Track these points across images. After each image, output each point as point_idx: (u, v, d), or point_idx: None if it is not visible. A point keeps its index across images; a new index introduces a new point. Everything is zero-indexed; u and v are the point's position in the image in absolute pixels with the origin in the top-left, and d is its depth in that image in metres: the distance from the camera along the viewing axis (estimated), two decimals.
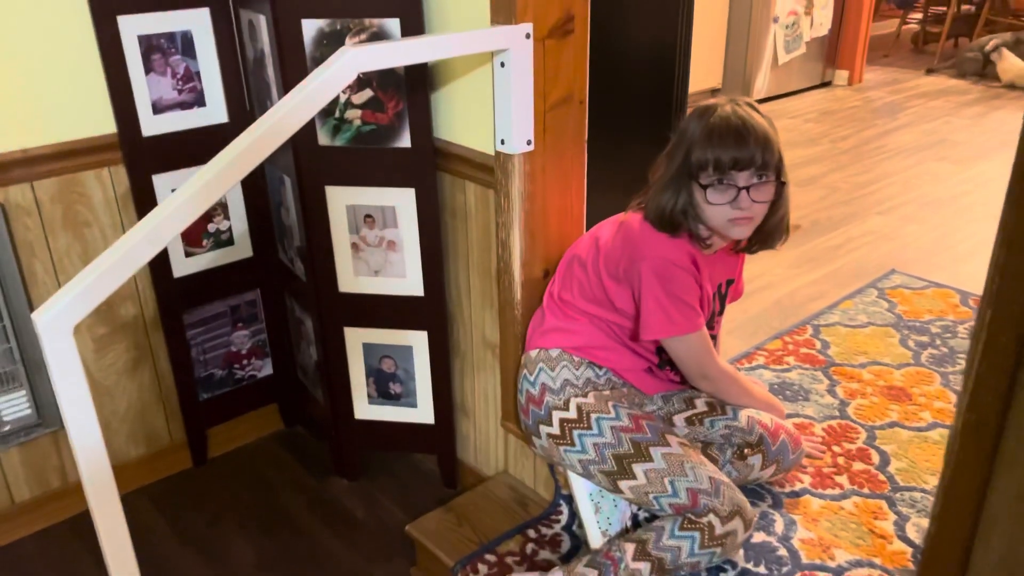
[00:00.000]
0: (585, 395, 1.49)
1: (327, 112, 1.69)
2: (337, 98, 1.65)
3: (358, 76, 1.59)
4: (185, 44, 1.81)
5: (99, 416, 1.92)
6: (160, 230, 1.14)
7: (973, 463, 1.08)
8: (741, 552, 1.47)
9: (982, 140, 4.09)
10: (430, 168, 1.71)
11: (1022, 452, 1.04)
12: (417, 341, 1.88)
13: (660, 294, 1.41)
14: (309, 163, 1.74)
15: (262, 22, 1.70)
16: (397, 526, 1.87)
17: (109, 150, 1.79)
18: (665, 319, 1.42)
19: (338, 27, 1.61)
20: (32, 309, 1.73)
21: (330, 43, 1.62)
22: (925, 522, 1.53)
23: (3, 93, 1.65)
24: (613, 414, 1.46)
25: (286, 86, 1.65)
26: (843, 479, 1.65)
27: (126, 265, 1.13)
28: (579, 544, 1.63)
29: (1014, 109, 4.62)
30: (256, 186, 2.00)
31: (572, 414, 1.48)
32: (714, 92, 4.83)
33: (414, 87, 1.64)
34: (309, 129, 1.69)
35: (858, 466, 1.69)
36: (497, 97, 1.48)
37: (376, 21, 1.60)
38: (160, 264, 1.91)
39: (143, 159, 1.82)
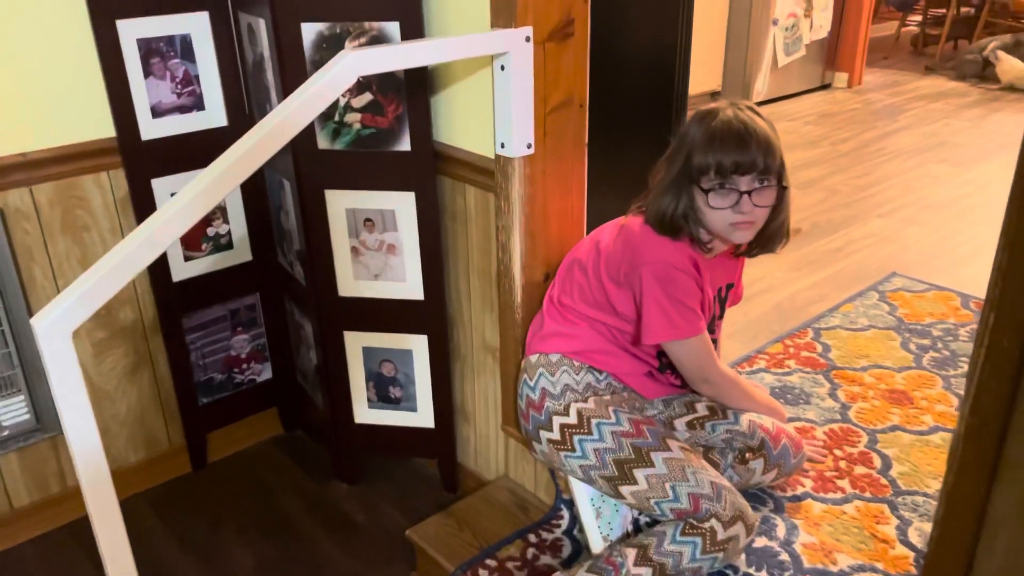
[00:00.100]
0: (585, 400, 1.48)
1: (327, 116, 1.68)
2: (337, 102, 1.65)
3: (358, 79, 1.59)
4: (184, 48, 1.81)
5: (98, 421, 1.92)
6: (159, 234, 1.14)
7: (976, 467, 1.07)
8: (743, 557, 1.47)
9: (982, 142, 4.09)
10: (430, 172, 1.70)
11: None
12: (417, 345, 1.87)
13: (661, 298, 1.40)
14: (309, 167, 1.74)
15: (261, 26, 1.69)
16: (397, 531, 1.87)
17: (108, 154, 1.79)
18: (667, 323, 1.41)
19: (338, 31, 1.61)
20: (31, 314, 1.73)
21: (330, 47, 1.62)
22: (927, 526, 1.53)
23: (2, 97, 1.65)
24: (614, 419, 1.45)
25: (286, 90, 1.65)
26: (845, 483, 1.65)
27: (125, 270, 1.12)
28: (580, 549, 1.62)
29: (1014, 111, 4.62)
30: (255, 190, 1.99)
31: (572, 419, 1.47)
32: (714, 95, 4.83)
33: (414, 90, 1.63)
34: (309, 133, 1.69)
35: (860, 470, 1.69)
36: (497, 100, 1.48)
37: (376, 24, 1.60)
38: (159, 268, 1.91)
39: (142, 163, 1.82)
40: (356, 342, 1.90)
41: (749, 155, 1.35)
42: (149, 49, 1.77)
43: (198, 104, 1.86)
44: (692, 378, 1.51)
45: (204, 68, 1.85)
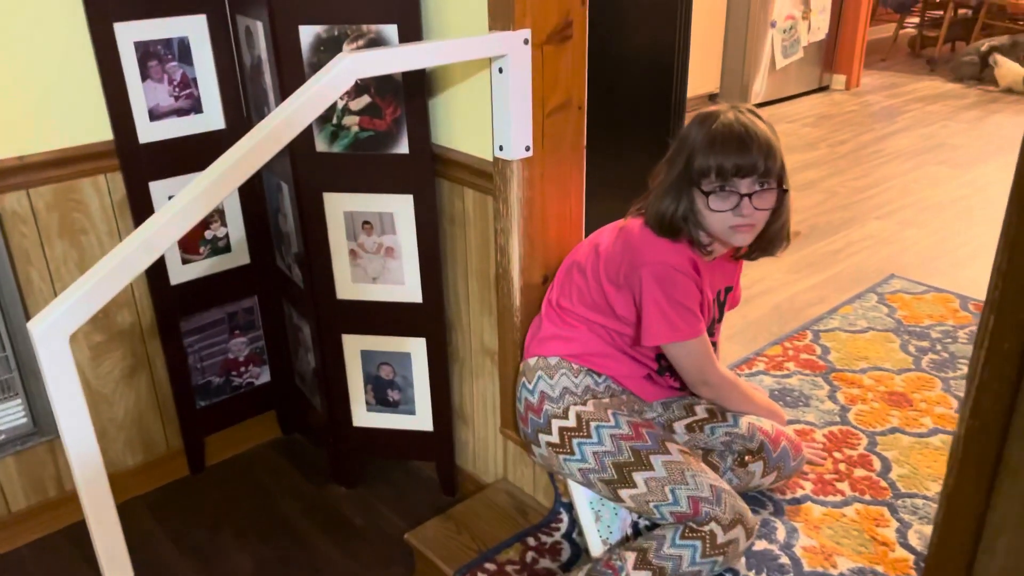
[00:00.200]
0: (584, 403, 1.48)
1: (325, 118, 1.68)
2: (335, 104, 1.65)
3: (356, 82, 1.59)
4: (182, 50, 1.81)
5: (96, 424, 1.91)
6: (157, 237, 1.13)
7: (976, 470, 1.07)
8: (743, 560, 1.46)
9: (980, 144, 4.09)
10: (428, 174, 1.70)
11: None
12: (415, 348, 1.87)
13: (661, 299, 1.40)
14: (307, 169, 1.73)
15: (259, 28, 1.69)
16: (396, 534, 1.86)
17: (105, 157, 1.78)
18: (667, 325, 1.41)
19: (336, 33, 1.61)
20: (28, 317, 1.73)
21: (328, 49, 1.62)
22: (927, 529, 1.52)
23: None
24: (612, 422, 1.45)
25: (284, 92, 1.64)
26: (844, 486, 1.64)
27: (122, 273, 1.12)
28: (579, 552, 1.62)
29: (1011, 113, 4.62)
30: (253, 193, 1.99)
31: (571, 422, 1.47)
32: (712, 97, 4.84)
33: (412, 93, 1.63)
34: (307, 135, 1.69)
35: (859, 472, 1.68)
36: (495, 103, 1.48)
37: (374, 27, 1.60)
38: (157, 271, 1.91)
39: (140, 166, 1.81)
40: (354, 345, 1.90)
41: (750, 158, 1.34)
42: (146, 52, 1.76)
43: (196, 107, 1.86)
44: (691, 380, 1.51)
45: (202, 71, 1.84)
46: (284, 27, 1.61)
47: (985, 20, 5.79)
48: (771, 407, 1.64)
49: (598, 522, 1.52)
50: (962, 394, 1.01)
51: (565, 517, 1.68)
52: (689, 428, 1.55)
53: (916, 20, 6.25)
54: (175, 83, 1.82)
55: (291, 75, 1.63)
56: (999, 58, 5.06)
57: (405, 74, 1.61)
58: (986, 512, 1.09)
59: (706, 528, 1.36)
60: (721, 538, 1.36)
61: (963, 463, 1.08)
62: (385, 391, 1.94)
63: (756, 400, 1.60)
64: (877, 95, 5.11)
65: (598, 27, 1.80)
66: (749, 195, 1.36)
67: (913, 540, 1.51)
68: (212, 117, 1.88)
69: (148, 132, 1.81)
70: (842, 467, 1.70)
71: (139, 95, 1.77)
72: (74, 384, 1.11)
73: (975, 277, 2.57)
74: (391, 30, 1.59)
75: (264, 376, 2.19)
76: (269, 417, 2.26)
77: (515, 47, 1.41)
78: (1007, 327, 0.97)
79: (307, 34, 1.61)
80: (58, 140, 1.73)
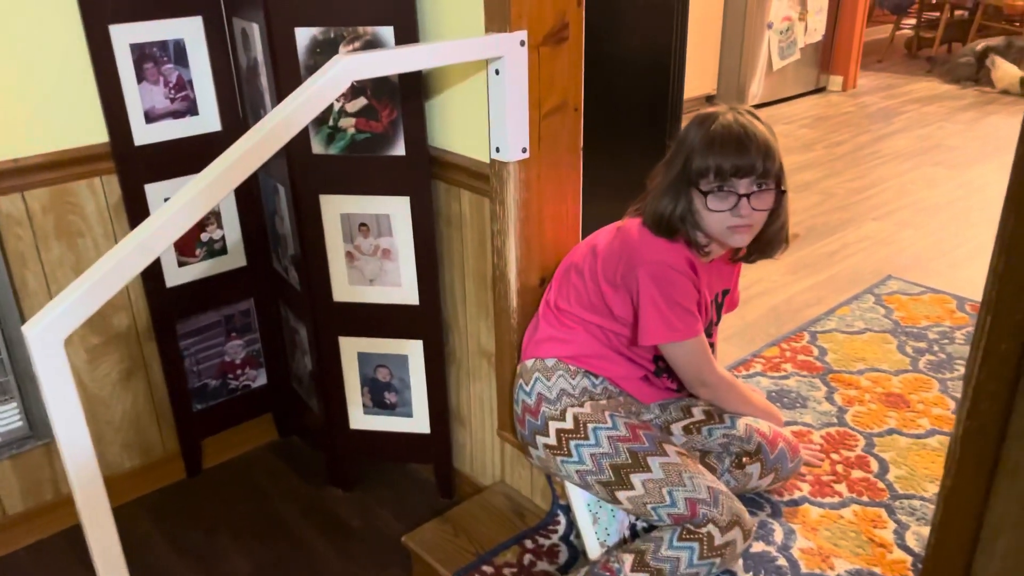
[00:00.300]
0: (581, 405, 1.47)
1: (321, 120, 1.68)
2: (331, 106, 1.65)
3: (352, 84, 1.59)
4: (178, 53, 1.80)
5: (92, 427, 1.91)
6: (153, 240, 1.13)
7: (974, 471, 1.07)
8: (740, 562, 1.46)
9: (977, 145, 4.10)
10: (425, 176, 1.70)
11: None
12: (412, 350, 1.87)
13: (658, 299, 1.40)
14: (303, 172, 1.73)
15: (255, 30, 1.69)
16: (393, 536, 1.86)
17: (101, 159, 1.78)
18: (664, 325, 1.41)
19: (332, 35, 1.61)
20: (24, 320, 1.72)
21: (324, 51, 1.62)
22: (925, 531, 1.52)
23: None
24: (610, 424, 1.45)
25: (280, 95, 1.64)
26: (842, 487, 1.64)
27: (118, 276, 1.11)
28: (577, 555, 1.62)
29: (1007, 115, 4.63)
30: (250, 195, 1.98)
31: (568, 424, 1.46)
32: (709, 98, 4.84)
33: (408, 95, 1.63)
34: (303, 137, 1.68)
35: (857, 474, 1.68)
36: (492, 105, 1.48)
37: (370, 29, 1.59)
38: (153, 274, 1.90)
39: (135, 168, 1.81)
40: (351, 347, 1.89)
41: (748, 158, 1.35)
42: (142, 54, 1.76)
43: (191, 109, 1.85)
44: (689, 381, 1.51)
45: (198, 73, 1.84)
46: (280, 29, 1.61)
47: (981, 21, 5.80)
48: (768, 408, 1.64)
49: (595, 524, 1.52)
50: (959, 395, 1.01)
51: (563, 519, 1.68)
52: (687, 430, 1.54)
53: (913, 21, 6.27)
54: (171, 85, 1.81)
55: (287, 77, 1.63)
56: (996, 59, 5.07)
57: (401, 76, 1.61)
58: (984, 513, 1.09)
59: (704, 530, 1.36)
60: (718, 540, 1.36)
61: (960, 464, 1.08)
62: (382, 393, 1.94)
63: (753, 401, 1.60)
64: (874, 96, 5.12)
65: (595, 29, 1.80)
66: (747, 195, 1.36)
67: (911, 541, 1.51)
68: (208, 119, 1.88)
69: (144, 134, 1.80)
70: (839, 468, 1.70)
71: (135, 97, 1.77)
72: (69, 387, 1.10)
73: (972, 278, 2.58)
74: (387, 32, 1.59)
75: (261, 379, 2.19)
76: (266, 420, 2.26)
77: (511, 49, 1.41)
78: (1003, 328, 0.97)
79: (303, 36, 1.61)
80: (54, 142, 1.72)
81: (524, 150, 1.50)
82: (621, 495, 1.42)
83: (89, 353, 1.89)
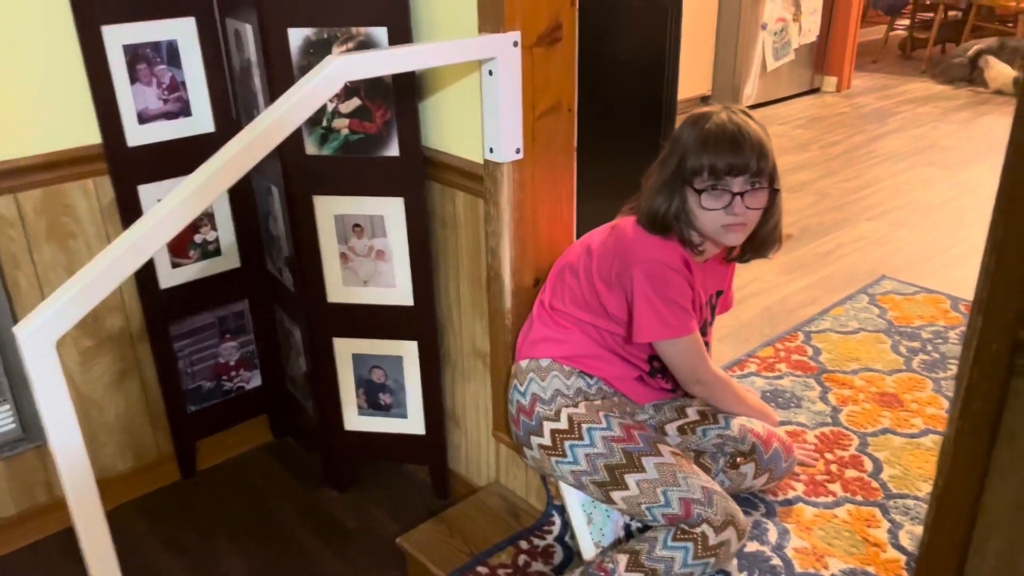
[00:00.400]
0: (576, 405, 1.47)
1: (314, 121, 1.68)
2: (324, 107, 1.64)
3: (345, 85, 1.58)
4: (171, 54, 1.80)
5: (86, 429, 1.90)
6: (144, 241, 1.13)
7: (967, 471, 1.07)
8: (734, 562, 1.46)
9: (971, 145, 4.11)
10: (419, 177, 1.70)
11: (1016, 459, 1.03)
12: (407, 351, 1.87)
13: (653, 297, 1.40)
14: (296, 172, 1.73)
15: (248, 31, 1.69)
16: (388, 537, 1.86)
17: (94, 161, 1.77)
18: (659, 321, 1.41)
19: (325, 36, 1.60)
20: (16, 322, 1.71)
21: (317, 52, 1.61)
22: (919, 530, 1.53)
23: None
24: (604, 424, 1.45)
25: (273, 96, 1.63)
26: (836, 487, 1.65)
27: (110, 277, 1.11)
28: (572, 555, 1.61)
29: (1001, 115, 4.65)
30: (243, 196, 1.98)
31: (563, 424, 1.46)
32: (704, 99, 4.85)
33: (402, 96, 1.63)
34: (296, 138, 1.68)
35: (851, 473, 1.68)
36: (485, 105, 1.48)
37: (363, 30, 1.59)
38: (146, 275, 1.90)
39: (128, 170, 1.80)
40: (346, 348, 1.89)
41: (742, 157, 1.35)
42: (135, 55, 1.75)
43: (185, 110, 1.85)
44: (684, 379, 1.51)
45: (191, 74, 1.84)
46: (273, 30, 1.60)
47: (975, 22, 5.82)
48: (762, 408, 1.64)
49: (590, 525, 1.52)
50: (952, 395, 1.01)
51: (557, 520, 1.68)
52: (681, 430, 1.55)
53: (907, 22, 6.28)
54: (164, 86, 1.81)
55: (280, 78, 1.63)
56: (990, 60, 5.09)
57: (395, 77, 1.61)
58: (977, 513, 1.09)
59: (698, 530, 1.36)
60: (713, 540, 1.36)
61: (953, 464, 1.08)
62: (377, 394, 1.94)
63: (748, 401, 1.60)
64: (868, 97, 5.13)
65: (589, 30, 1.80)
66: (741, 194, 1.37)
67: (904, 541, 1.51)
68: (201, 120, 1.88)
69: (137, 135, 1.80)
70: (833, 468, 1.70)
71: (128, 98, 1.77)
72: (61, 389, 1.10)
73: (966, 278, 2.58)
74: (381, 32, 1.59)
75: (255, 380, 2.18)
76: (261, 421, 2.25)
77: (504, 49, 1.41)
78: (995, 328, 0.98)
79: (296, 37, 1.61)
80: (46, 144, 1.72)
81: (518, 151, 1.50)
82: (615, 495, 1.42)
83: (82, 355, 1.89)
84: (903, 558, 1.47)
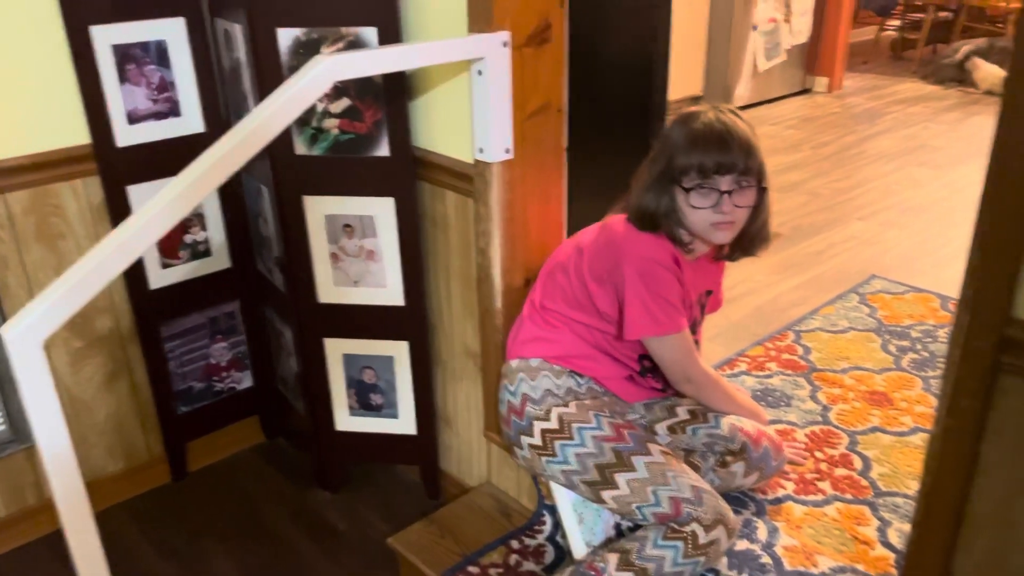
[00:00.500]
0: (566, 405, 1.48)
1: (304, 121, 1.67)
2: (314, 107, 1.64)
3: (336, 85, 1.58)
4: (160, 54, 1.79)
5: (76, 431, 1.90)
6: (132, 242, 1.12)
7: (953, 468, 1.08)
8: (724, 560, 1.47)
9: (961, 145, 4.13)
10: (409, 177, 1.70)
11: (1003, 456, 1.03)
12: (398, 351, 1.86)
13: (643, 293, 1.41)
14: (286, 173, 1.72)
15: (238, 31, 1.68)
16: (380, 538, 1.85)
17: (83, 161, 1.77)
18: (649, 318, 1.41)
19: (315, 36, 1.60)
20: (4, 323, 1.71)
21: (307, 52, 1.61)
22: (908, 527, 1.53)
23: None
24: (594, 423, 1.45)
25: (262, 96, 1.62)
26: (826, 485, 1.65)
27: (97, 277, 1.11)
28: (563, 555, 1.62)
29: (991, 115, 4.64)
30: (233, 196, 1.98)
31: (553, 424, 1.46)
32: (695, 100, 4.86)
33: (392, 96, 1.63)
34: (286, 138, 1.68)
35: (840, 472, 1.69)
36: (475, 105, 1.48)
37: (353, 30, 1.59)
38: (136, 276, 1.89)
39: (118, 170, 1.80)
40: (336, 349, 1.89)
41: (730, 156, 1.36)
42: (124, 55, 1.75)
43: (174, 110, 1.84)
44: (674, 377, 1.51)
45: (180, 74, 1.83)
46: (262, 30, 1.60)
47: (965, 23, 5.85)
48: (752, 407, 1.64)
49: (581, 524, 1.52)
50: None
51: (548, 520, 1.68)
52: (671, 429, 1.55)
53: (897, 23, 6.31)
54: (153, 86, 1.80)
55: (270, 78, 1.62)
56: (977, 61, 5.12)
57: (385, 77, 1.61)
58: (963, 510, 1.09)
59: (688, 529, 1.36)
60: (703, 538, 1.36)
61: (940, 462, 1.09)
62: (368, 395, 1.93)
63: (738, 400, 1.60)
64: (859, 97, 5.16)
65: (579, 31, 1.81)
66: (729, 192, 1.37)
67: (893, 538, 1.51)
68: (191, 120, 1.87)
69: (126, 135, 1.79)
70: (823, 466, 1.71)
71: (117, 98, 1.76)
72: (49, 390, 1.09)
73: (956, 277, 2.56)
74: (371, 33, 1.59)
75: (246, 381, 2.18)
76: (252, 422, 2.25)
77: (494, 49, 1.41)
78: (981, 326, 0.98)
79: (285, 37, 1.61)
80: (35, 144, 1.71)
81: (508, 151, 1.50)
82: (606, 494, 1.42)
83: (72, 356, 1.88)
84: (892, 555, 1.48)
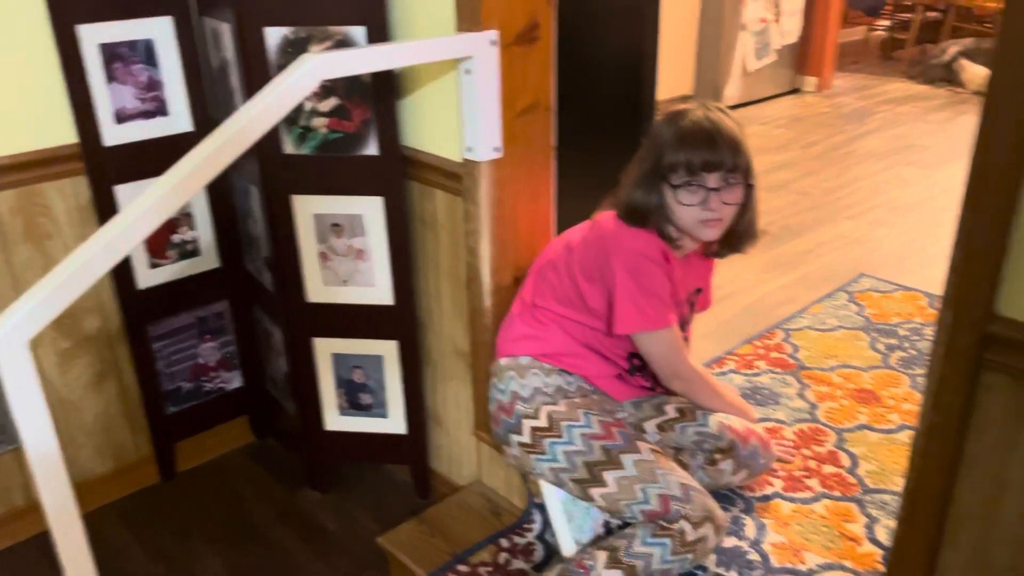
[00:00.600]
0: (555, 402, 1.48)
1: (292, 120, 1.67)
2: (302, 106, 1.64)
3: (324, 84, 1.58)
4: (147, 53, 1.79)
5: (64, 431, 1.89)
6: (119, 241, 1.12)
7: (938, 465, 1.08)
8: (712, 557, 1.47)
9: (949, 145, 4.15)
10: (398, 176, 1.70)
11: (986, 452, 1.04)
12: (387, 350, 1.86)
13: (632, 287, 1.41)
14: (275, 172, 1.72)
15: (225, 31, 1.68)
16: (370, 538, 1.85)
17: (70, 160, 1.76)
18: (637, 312, 1.42)
19: (303, 35, 1.60)
20: None
21: (295, 51, 1.61)
22: (895, 524, 1.54)
23: None
24: (583, 421, 1.45)
25: (250, 95, 1.62)
26: (813, 482, 1.66)
27: (83, 277, 1.10)
28: (552, 553, 1.62)
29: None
30: (222, 196, 1.97)
31: (543, 422, 1.47)
32: (685, 99, 4.87)
33: (381, 95, 1.63)
34: (275, 137, 1.68)
35: (828, 469, 1.70)
36: (463, 104, 1.48)
37: (341, 29, 1.59)
38: (124, 276, 1.88)
39: (105, 169, 1.79)
40: (326, 348, 1.89)
41: (718, 154, 1.37)
42: (111, 54, 1.74)
43: (162, 109, 1.84)
44: (663, 374, 1.52)
45: (168, 73, 1.83)
46: (250, 29, 1.60)
47: (953, 23, 5.88)
48: (741, 405, 1.65)
49: (570, 522, 1.52)
50: None
51: (538, 518, 1.68)
52: (660, 427, 1.55)
53: (887, 23, 6.34)
54: (141, 85, 1.80)
55: (258, 77, 1.62)
56: (964, 63, 5.15)
57: (374, 76, 1.61)
58: (948, 506, 1.10)
59: (676, 526, 1.37)
60: (691, 536, 1.37)
61: (924, 458, 1.10)
62: (357, 394, 1.93)
63: (727, 398, 1.61)
64: (848, 97, 5.18)
65: (568, 30, 1.81)
66: (717, 190, 1.38)
67: (880, 535, 1.52)
68: (179, 119, 1.87)
69: (114, 135, 1.78)
70: (811, 464, 1.72)
71: (104, 97, 1.75)
72: (35, 390, 1.09)
73: (943, 276, 2.61)
74: (359, 32, 1.59)
75: (236, 381, 2.17)
76: (241, 422, 2.24)
77: (482, 48, 1.41)
78: (964, 323, 0.99)
79: (273, 36, 1.60)
80: (22, 144, 1.70)
81: (496, 150, 1.50)
82: (595, 492, 1.43)
83: (59, 356, 1.87)
84: (879, 552, 1.48)
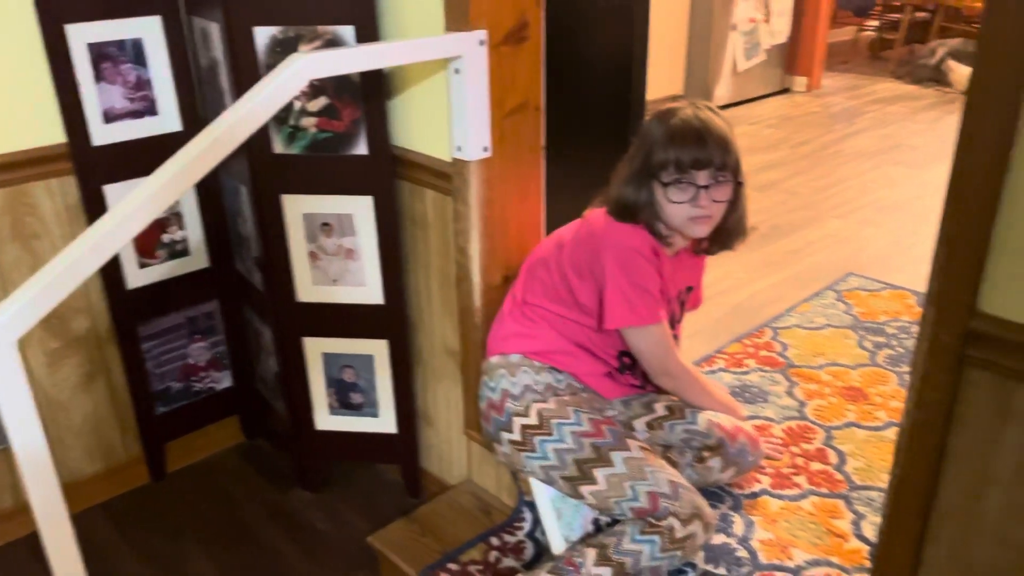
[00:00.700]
0: (545, 400, 1.48)
1: (282, 119, 1.67)
2: (291, 105, 1.64)
3: (313, 84, 1.58)
4: (136, 52, 1.79)
5: (53, 432, 1.89)
6: (106, 240, 1.12)
7: (922, 460, 1.10)
8: (701, 554, 1.48)
9: (937, 144, 4.18)
10: (388, 176, 1.70)
11: (968, 448, 1.06)
12: (378, 350, 1.87)
13: (623, 282, 1.42)
14: (264, 171, 1.72)
15: (215, 30, 1.68)
16: (360, 537, 1.85)
17: (58, 160, 1.76)
18: (627, 307, 1.43)
19: (292, 35, 1.60)
20: None
21: (284, 51, 1.61)
22: (880, 520, 1.55)
23: None
24: (574, 419, 1.46)
25: (239, 94, 1.62)
26: (801, 479, 1.67)
27: (71, 277, 1.10)
28: (542, 551, 1.62)
29: None
30: (211, 195, 1.97)
31: (533, 420, 1.47)
32: (675, 99, 4.89)
33: (370, 94, 1.63)
34: (264, 137, 1.68)
35: (816, 466, 1.71)
36: (453, 104, 1.48)
37: (330, 29, 1.59)
38: (113, 276, 1.88)
39: (93, 169, 1.79)
40: (316, 348, 1.89)
41: (707, 151, 1.38)
42: (100, 54, 1.74)
43: (151, 109, 1.83)
44: (653, 370, 1.53)
45: (157, 73, 1.82)
46: (239, 28, 1.60)
47: (942, 23, 5.92)
48: (729, 403, 1.66)
49: (560, 520, 1.53)
50: None
51: (528, 516, 1.69)
52: (649, 426, 1.56)
53: (876, 23, 6.37)
54: (130, 85, 1.79)
55: (247, 77, 1.62)
56: (951, 64, 5.18)
57: (363, 75, 1.61)
58: (932, 503, 1.11)
59: (665, 523, 1.38)
60: (679, 533, 1.38)
61: (908, 454, 1.11)
62: (348, 394, 1.93)
63: (715, 395, 1.62)
64: (838, 96, 5.20)
65: (557, 30, 1.82)
66: (706, 187, 1.39)
67: (867, 531, 1.54)
68: (168, 119, 1.86)
69: (102, 135, 1.78)
70: (799, 461, 1.73)
71: (93, 97, 1.75)
72: (23, 390, 1.09)
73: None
74: (348, 31, 1.59)
75: (226, 381, 2.17)
76: (232, 422, 2.24)
77: (470, 48, 1.42)
78: (947, 320, 1.00)
79: (262, 35, 1.60)
80: (9, 143, 1.70)
81: (486, 149, 1.51)
82: (584, 490, 1.43)
83: (48, 356, 1.87)
84: (866, 548, 1.50)
